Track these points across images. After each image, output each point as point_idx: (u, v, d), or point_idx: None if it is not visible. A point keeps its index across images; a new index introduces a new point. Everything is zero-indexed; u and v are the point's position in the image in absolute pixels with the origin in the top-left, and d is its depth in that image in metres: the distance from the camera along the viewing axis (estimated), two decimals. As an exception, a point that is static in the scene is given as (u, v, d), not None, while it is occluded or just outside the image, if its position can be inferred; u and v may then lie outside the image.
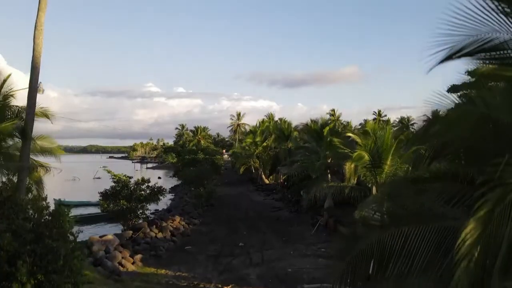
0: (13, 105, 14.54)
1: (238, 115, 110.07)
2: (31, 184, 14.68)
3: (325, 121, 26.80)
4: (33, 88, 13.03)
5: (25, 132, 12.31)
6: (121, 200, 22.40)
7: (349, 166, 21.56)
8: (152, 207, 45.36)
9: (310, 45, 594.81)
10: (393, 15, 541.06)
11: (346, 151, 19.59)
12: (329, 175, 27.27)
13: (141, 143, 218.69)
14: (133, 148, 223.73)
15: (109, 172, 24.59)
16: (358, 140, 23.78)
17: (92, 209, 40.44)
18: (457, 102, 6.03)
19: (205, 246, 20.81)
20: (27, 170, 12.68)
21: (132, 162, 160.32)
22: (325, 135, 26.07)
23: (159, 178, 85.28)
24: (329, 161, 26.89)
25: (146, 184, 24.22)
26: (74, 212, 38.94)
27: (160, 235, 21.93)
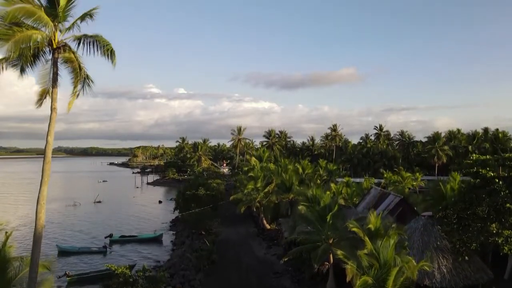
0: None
1: (239, 130, 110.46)
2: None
3: (327, 204, 26.69)
4: (33, 267, 12.80)
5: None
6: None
7: (351, 266, 21.49)
8: (155, 251, 45.38)
9: (307, 46, 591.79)
10: (392, 15, 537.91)
11: (352, 266, 19.52)
12: (331, 256, 27.20)
13: (142, 147, 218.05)
14: (133, 154, 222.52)
15: (111, 267, 24.62)
16: (361, 234, 23.75)
17: (95, 261, 40.48)
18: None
19: None
20: None
21: (133, 173, 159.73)
22: (328, 220, 26.00)
23: (160, 202, 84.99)
24: (330, 241, 26.83)
25: (146, 274, 24.28)
26: (75, 260, 38.33)
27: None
